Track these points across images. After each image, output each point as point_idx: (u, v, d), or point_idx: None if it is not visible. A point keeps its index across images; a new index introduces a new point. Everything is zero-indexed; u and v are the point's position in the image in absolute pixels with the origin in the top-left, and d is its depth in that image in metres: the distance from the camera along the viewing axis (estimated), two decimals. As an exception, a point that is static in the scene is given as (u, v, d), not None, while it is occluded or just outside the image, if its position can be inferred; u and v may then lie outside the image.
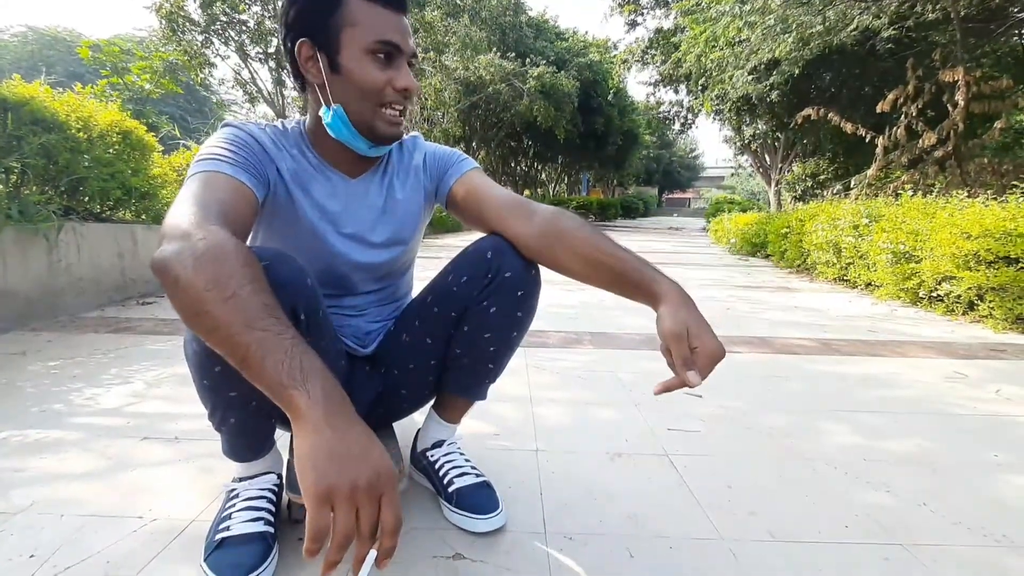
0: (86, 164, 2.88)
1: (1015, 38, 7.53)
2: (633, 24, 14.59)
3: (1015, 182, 3.85)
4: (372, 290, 1.00)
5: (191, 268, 0.57)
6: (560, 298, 3.44)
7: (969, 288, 3.04)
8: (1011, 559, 0.92)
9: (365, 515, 0.51)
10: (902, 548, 0.94)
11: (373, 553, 0.53)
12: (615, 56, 16.40)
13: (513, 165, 23.70)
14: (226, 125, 0.84)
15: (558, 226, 0.86)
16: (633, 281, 0.80)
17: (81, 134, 2.88)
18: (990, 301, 2.93)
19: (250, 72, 11.42)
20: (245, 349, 0.55)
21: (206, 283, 0.56)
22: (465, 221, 0.97)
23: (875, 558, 0.91)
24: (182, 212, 0.66)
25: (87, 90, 3.45)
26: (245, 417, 0.83)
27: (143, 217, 3.38)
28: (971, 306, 3.13)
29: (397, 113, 0.84)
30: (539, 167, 26.03)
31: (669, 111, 16.70)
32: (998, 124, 5.79)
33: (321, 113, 0.84)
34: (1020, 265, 2.80)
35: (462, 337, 0.95)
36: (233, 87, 12.54)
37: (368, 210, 0.93)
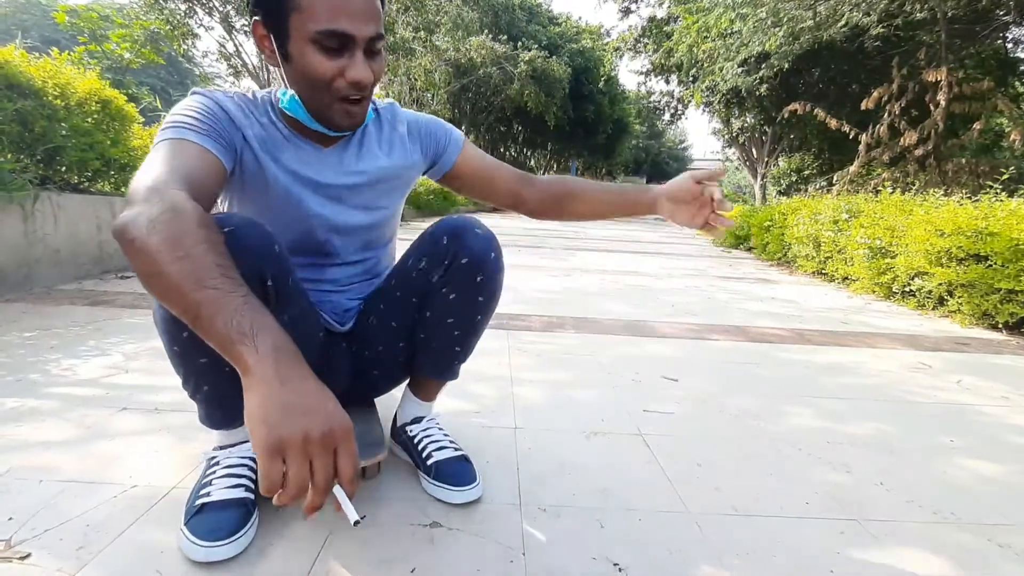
0: (63, 133, 2.80)
1: (999, 40, 7.67)
2: (627, 11, 14.52)
3: (989, 182, 3.95)
4: (354, 260, 1.00)
5: (145, 230, 0.57)
6: (545, 283, 3.46)
7: (940, 284, 3.14)
8: (957, 534, 0.98)
9: (320, 466, 0.51)
10: (857, 523, 0.99)
11: (338, 489, 0.54)
12: (608, 43, 16.31)
13: (503, 150, 23.54)
14: (194, 93, 0.83)
15: (562, 184, 1.07)
16: (631, 201, 1.07)
17: (58, 101, 2.80)
18: (959, 297, 3.03)
19: (235, 45, 11.09)
20: (196, 307, 0.54)
21: (159, 243, 0.56)
22: (466, 193, 1.05)
23: (832, 532, 0.96)
24: (145, 178, 0.65)
25: (64, 56, 3.32)
26: (218, 384, 0.82)
27: (122, 189, 3.29)
28: (941, 301, 3.23)
29: (354, 105, 0.80)
30: (528, 153, 25.93)
31: (659, 101, 16.71)
32: (977, 125, 5.92)
33: (279, 94, 0.84)
34: (989, 263, 2.89)
35: (425, 322, 0.98)
36: (217, 60, 12.19)
37: (344, 175, 0.92)
